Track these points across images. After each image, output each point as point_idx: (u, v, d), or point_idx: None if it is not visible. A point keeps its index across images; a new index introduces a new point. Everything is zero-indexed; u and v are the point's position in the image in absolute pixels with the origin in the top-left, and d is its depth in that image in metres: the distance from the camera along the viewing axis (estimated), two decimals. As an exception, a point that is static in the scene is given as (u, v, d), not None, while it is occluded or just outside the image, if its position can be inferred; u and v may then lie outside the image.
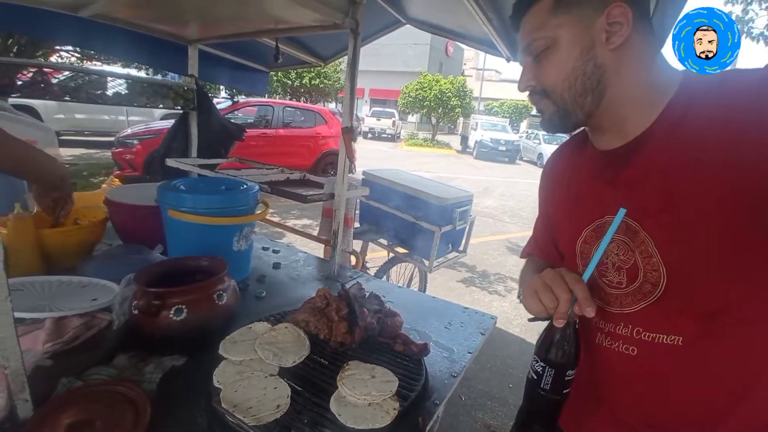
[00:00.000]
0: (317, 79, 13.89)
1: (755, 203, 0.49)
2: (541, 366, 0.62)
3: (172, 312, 0.81)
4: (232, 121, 6.29)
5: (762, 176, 0.48)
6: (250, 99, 7.17)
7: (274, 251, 1.53)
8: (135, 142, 5.70)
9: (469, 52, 36.02)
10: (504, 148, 15.22)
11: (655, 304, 0.58)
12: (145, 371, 0.75)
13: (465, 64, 34.92)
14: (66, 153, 7.71)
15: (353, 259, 1.83)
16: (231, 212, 1.11)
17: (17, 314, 0.81)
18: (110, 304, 0.89)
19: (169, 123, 1.80)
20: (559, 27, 0.58)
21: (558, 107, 0.61)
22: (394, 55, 26.33)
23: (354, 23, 1.16)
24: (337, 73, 14.91)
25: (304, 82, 13.62)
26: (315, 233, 1.96)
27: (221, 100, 8.26)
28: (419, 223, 2.05)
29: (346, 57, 2.51)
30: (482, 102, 26.92)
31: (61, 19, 1.29)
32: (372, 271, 2.36)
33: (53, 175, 1.01)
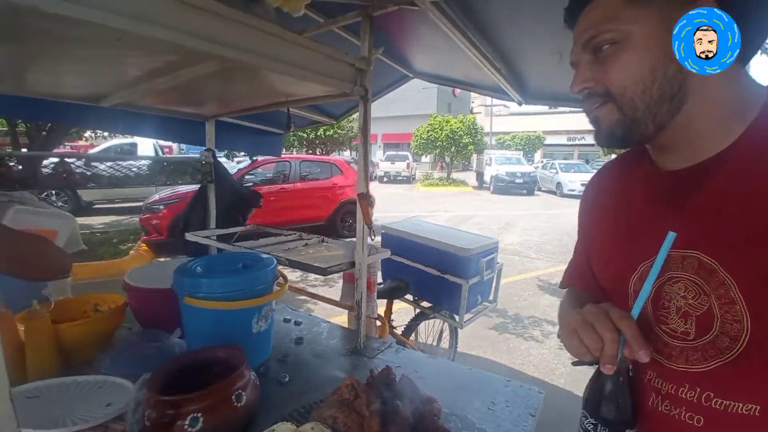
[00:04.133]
0: (331, 130, 14.45)
1: None
2: (592, 424, 0.53)
3: (187, 422, 0.73)
4: (252, 179, 6.47)
5: None
6: (269, 157, 7.44)
7: (296, 323, 1.46)
8: (161, 207, 5.92)
9: (475, 90, 37.06)
10: (521, 181, 15.10)
11: (732, 363, 0.47)
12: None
13: (473, 102, 35.85)
14: (98, 221, 8.10)
15: (378, 323, 1.73)
16: (248, 294, 1.05)
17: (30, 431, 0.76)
18: (124, 412, 0.83)
19: (193, 187, 1.83)
20: (636, 20, 0.49)
21: (624, 115, 0.52)
22: (404, 99, 27.35)
23: (363, 90, 1.15)
24: (350, 122, 15.52)
25: (318, 134, 14.17)
26: (339, 289, 1.88)
27: (241, 159, 8.63)
28: (445, 277, 1.95)
29: (355, 112, 2.59)
30: (494, 137, 27.27)
31: (84, 109, 1.35)
32: (399, 330, 2.24)
33: (52, 273, 0.99)
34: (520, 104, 2.08)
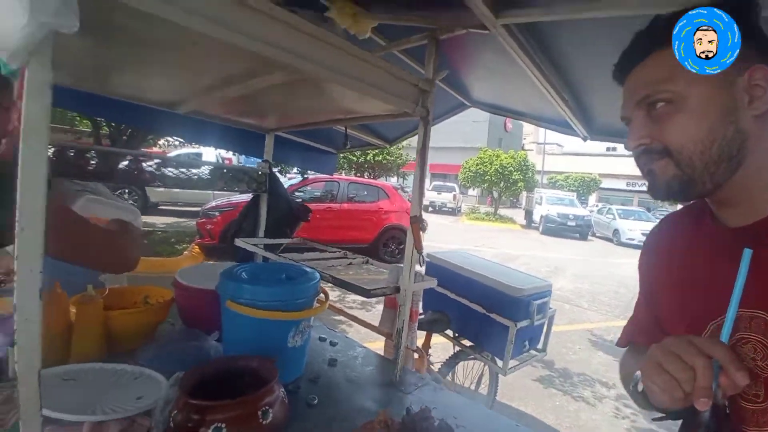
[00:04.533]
0: (380, 155, 14.75)
1: None
2: None
3: (210, 431, 0.69)
4: (302, 195, 6.71)
5: None
6: (319, 175, 7.69)
7: (332, 343, 1.40)
8: (216, 213, 6.26)
9: (528, 126, 36.48)
10: (573, 223, 14.33)
11: None
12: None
13: (525, 138, 35.21)
14: (160, 221, 8.73)
15: (416, 355, 1.63)
16: (289, 306, 1.02)
17: (58, 414, 0.75)
18: (152, 408, 0.81)
19: (247, 197, 1.89)
20: (693, 83, 0.50)
21: (682, 172, 0.52)
22: (454, 131, 27.42)
23: (425, 111, 1.13)
24: (399, 149, 15.81)
25: (368, 158, 14.50)
26: (375, 313, 1.82)
27: (293, 176, 8.99)
28: (491, 316, 1.81)
29: (409, 137, 2.59)
30: (545, 176, 26.41)
31: (160, 114, 1.45)
32: (436, 367, 2.11)
33: (122, 266, 1.02)
34: (585, 140, 1.96)
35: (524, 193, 19.60)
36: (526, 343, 1.92)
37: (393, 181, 18.82)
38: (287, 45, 0.79)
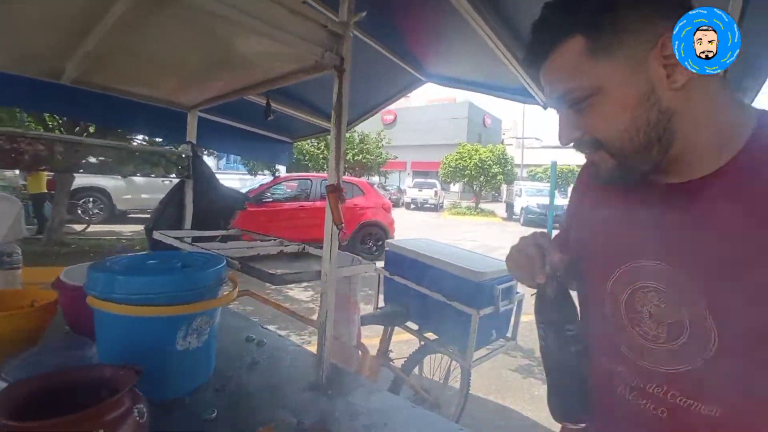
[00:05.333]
0: (360, 155, 14.54)
1: None
2: (542, 328, 0.61)
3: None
4: (275, 195, 6.41)
5: None
6: (292, 174, 7.44)
7: (259, 344, 1.21)
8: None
9: (507, 122, 36.86)
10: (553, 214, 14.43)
11: (697, 371, 0.49)
12: None
13: (504, 134, 35.54)
14: (128, 229, 8.31)
15: (359, 352, 1.44)
16: (177, 299, 0.82)
17: None
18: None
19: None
20: (603, 73, 0.49)
21: (619, 162, 0.52)
22: (433, 129, 27.50)
23: (338, 59, 0.94)
24: (379, 148, 15.69)
25: (348, 158, 14.29)
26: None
27: (264, 176, 8.71)
28: (452, 304, 1.64)
29: (361, 121, 2.42)
30: (525, 169, 26.69)
31: (42, 87, 1.22)
32: (398, 363, 1.93)
33: None
34: (545, 108, 1.82)
35: (504, 186, 19.67)
36: (493, 331, 1.76)
37: (375, 179, 18.67)
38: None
